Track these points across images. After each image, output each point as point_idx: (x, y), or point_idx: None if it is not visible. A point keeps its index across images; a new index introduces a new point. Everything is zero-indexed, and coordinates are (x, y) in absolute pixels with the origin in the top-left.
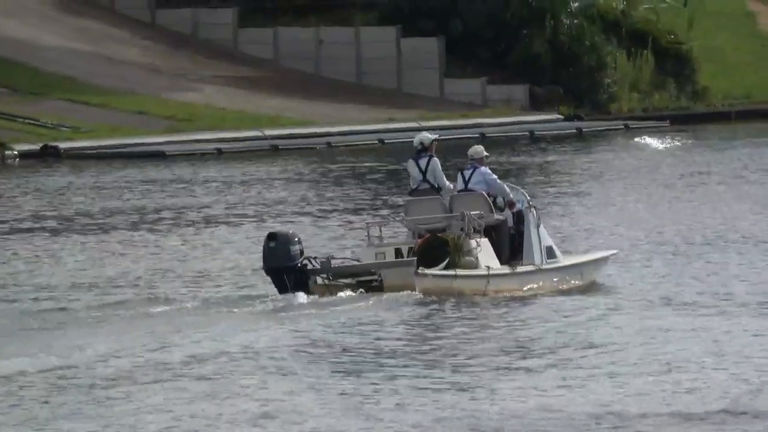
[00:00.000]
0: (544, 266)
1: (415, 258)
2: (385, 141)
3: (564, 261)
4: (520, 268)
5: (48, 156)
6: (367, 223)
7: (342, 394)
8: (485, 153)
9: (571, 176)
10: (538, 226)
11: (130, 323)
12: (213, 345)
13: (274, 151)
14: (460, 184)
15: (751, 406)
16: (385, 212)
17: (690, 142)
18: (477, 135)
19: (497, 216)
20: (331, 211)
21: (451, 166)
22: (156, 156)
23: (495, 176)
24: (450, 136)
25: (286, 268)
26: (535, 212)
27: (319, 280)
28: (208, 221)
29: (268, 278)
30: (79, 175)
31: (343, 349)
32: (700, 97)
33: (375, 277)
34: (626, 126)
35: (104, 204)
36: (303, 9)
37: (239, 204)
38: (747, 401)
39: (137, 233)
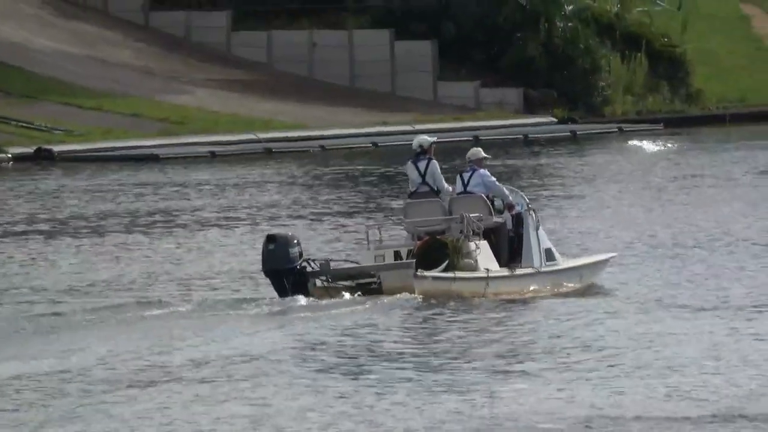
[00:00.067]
0: (543, 269)
1: (414, 260)
2: (379, 144)
3: (563, 264)
4: (519, 271)
5: (42, 159)
6: (367, 226)
7: (340, 397)
8: (484, 155)
9: (565, 179)
10: (537, 229)
11: (125, 327)
12: (210, 348)
13: (267, 154)
14: (459, 187)
15: (747, 410)
16: (379, 215)
17: (684, 145)
18: (470, 138)
19: (496, 218)
20: (325, 214)
21: (448, 170)
22: (149, 159)
23: (494, 179)
24: (443, 140)
25: (285, 270)
26: (534, 215)
27: (319, 283)
28: (202, 224)
29: (267, 280)
30: (73, 178)
31: (342, 352)
32: (694, 100)
33: (374, 279)
34: (620, 129)
35: (98, 207)
36: (296, 12)
37: (233, 207)
38: (743, 404)
39: (131, 236)
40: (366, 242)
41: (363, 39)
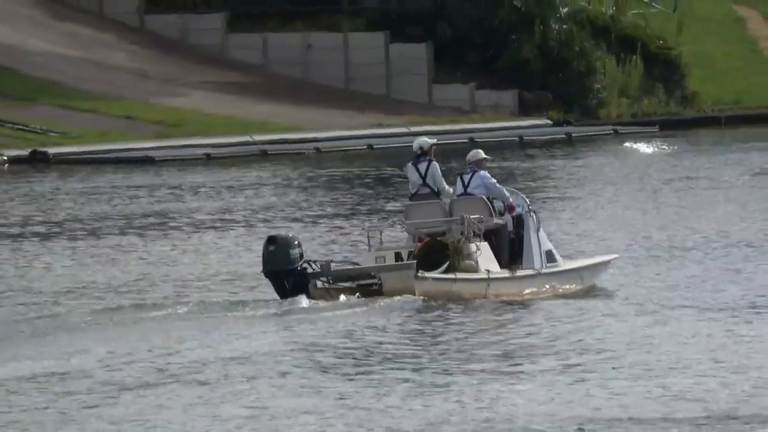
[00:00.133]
0: (544, 270)
1: (415, 261)
2: (374, 146)
3: (564, 265)
4: (519, 272)
5: (37, 161)
6: (367, 228)
7: (338, 398)
8: (484, 156)
9: (560, 181)
10: (537, 231)
11: (122, 329)
12: (208, 350)
13: (262, 156)
14: (459, 189)
15: (744, 411)
16: (374, 217)
17: (679, 147)
18: (466, 140)
19: (497, 220)
20: (320, 216)
21: (444, 172)
22: (144, 161)
23: (494, 180)
24: (439, 142)
25: (285, 271)
26: (535, 216)
27: (319, 284)
28: (197, 226)
29: (267, 282)
30: (68, 181)
31: (341, 353)
32: (689, 103)
33: (375, 280)
34: (615, 131)
35: (93, 209)
36: (291, 15)
37: (228, 209)
38: (740, 406)
39: (126, 238)
40: (367, 244)
41: (358, 41)
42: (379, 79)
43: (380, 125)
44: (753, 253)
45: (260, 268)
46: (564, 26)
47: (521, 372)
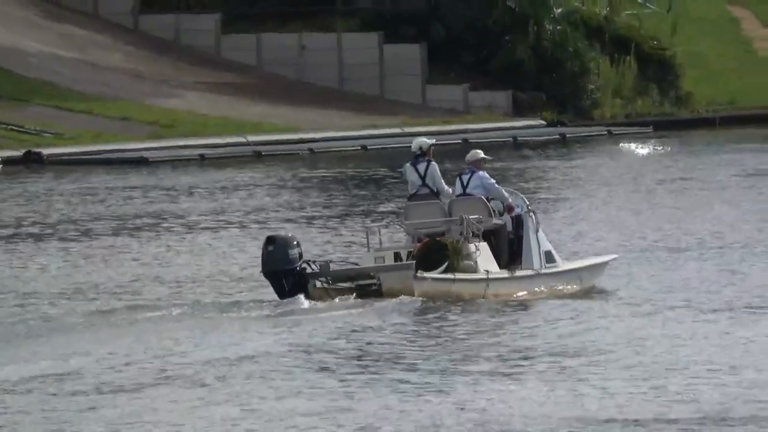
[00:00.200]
0: (543, 271)
1: (414, 261)
2: (368, 147)
3: (563, 266)
4: (519, 273)
5: (31, 162)
6: (367, 228)
7: (334, 399)
8: (483, 156)
9: (554, 182)
10: (537, 231)
11: (116, 330)
12: (205, 351)
13: (256, 157)
14: (458, 189)
15: (741, 413)
16: (368, 219)
17: (673, 148)
18: (460, 141)
19: (496, 220)
20: (315, 217)
21: (441, 173)
22: (139, 162)
23: (493, 181)
24: (436, 143)
25: (284, 271)
26: (534, 217)
27: (318, 284)
28: (191, 227)
29: (265, 282)
30: (62, 182)
31: (339, 354)
32: (683, 103)
33: (374, 280)
34: (609, 132)
35: (87, 210)
36: (286, 15)
37: (222, 210)
38: (737, 407)
39: (120, 239)
40: (366, 244)
41: (352, 42)
42: (373, 79)
43: (374, 126)
44: (747, 254)
45: (255, 268)
46: (558, 27)
47: (520, 373)
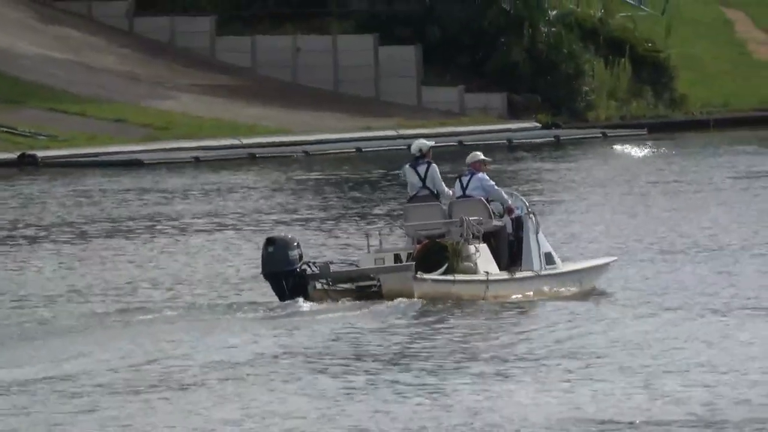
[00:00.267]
0: (543, 272)
1: (414, 263)
2: (363, 149)
3: (563, 267)
4: (518, 274)
5: (25, 164)
6: (366, 230)
7: (330, 400)
8: (482, 157)
9: (548, 184)
10: (537, 233)
11: (111, 332)
12: (200, 353)
13: (251, 159)
14: (458, 191)
15: (738, 415)
16: (362, 221)
17: (668, 150)
18: (455, 143)
19: (496, 222)
20: (309, 220)
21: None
22: (133, 164)
23: (492, 182)
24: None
25: (284, 272)
26: (534, 219)
27: (318, 285)
28: (186, 229)
29: (265, 283)
30: (57, 184)
31: (337, 355)
32: (677, 105)
33: (374, 282)
34: (604, 134)
35: (82, 212)
36: (280, 17)
37: (217, 212)
38: (734, 409)
39: (115, 241)
40: (366, 245)
41: (347, 44)
42: (368, 81)
43: (369, 128)
44: (742, 256)
45: (251, 270)
46: (552, 29)
47: (519, 375)
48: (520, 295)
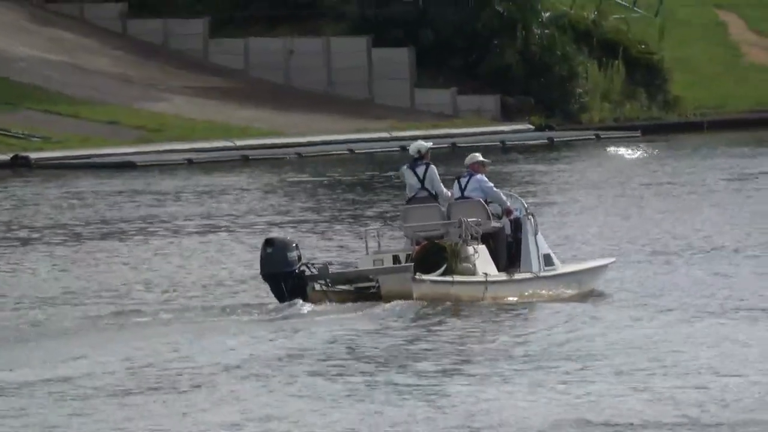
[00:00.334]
0: (542, 274)
1: (412, 264)
2: (356, 151)
3: (562, 269)
4: (517, 276)
5: (18, 166)
6: (365, 231)
7: (332, 401)
8: (481, 159)
9: (542, 187)
10: (535, 234)
11: (105, 335)
12: (197, 355)
13: (244, 161)
14: (456, 192)
15: (735, 416)
16: (356, 224)
17: (661, 152)
18: (448, 145)
19: (495, 223)
20: (303, 221)
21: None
22: (126, 166)
23: (491, 184)
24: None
25: (283, 273)
26: (533, 220)
27: (317, 287)
28: (179, 231)
29: (261, 284)
30: (50, 186)
31: (335, 356)
32: (671, 107)
33: (373, 283)
34: (597, 136)
35: (75, 214)
36: (273, 19)
37: (210, 214)
38: (731, 411)
39: (108, 243)
40: (365, 247)
41: (340, 46)
42: (361, 83)
43: (362, 130)
44: (736, 258)
45: (246, 272)
46: (546, 31)
47: (517, 376)
48: (518, 297)
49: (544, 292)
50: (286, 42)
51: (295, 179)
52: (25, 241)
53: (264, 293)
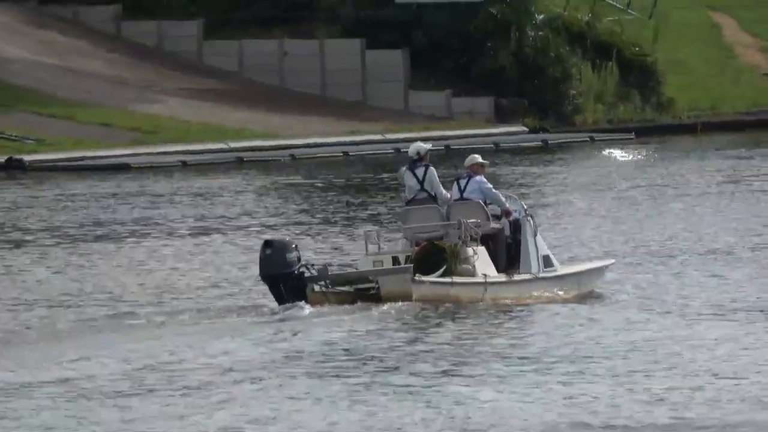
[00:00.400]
0: (541, 275)
1: (412, 265)
2: (350, 153)
3: (561, 270)
4: (516, 277)
5: (12, 168)
6: (365, 232)
7: (331, 401)
8: (480, 160)
9: (536, 189)
10: (535, 235)
11: (102, 337)
12: (195, 356)
13: (238, 163)
14: (455, 193)
15: (733, 418)
16: (351, 226)
17: (655, 154)
18: (441, 147)
19: (494, 224)
20: (298, 223)
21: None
22: (121, 168)
23: (490, 185)
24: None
25: (282, 275)
26: (532, 221)
27: (317, 288)
28: (174, 233)
29: (261, 286)
30: (44, 188)
31: (334, 357)
32: (665, 109)
33: (373, 284)
34: (591, 138)
35: (69, 217)
36: (267, 22)
37: (204, 216)
38: (729, 412)
39: (102, 246)
40: (365, 248)
41: (334, 48)
42: (355, 85)
43: (356, 132)
44: (730, 260)
45: (240, 273)
46: (540, 33)
47: (515, 377)
48: (517, 298)
49: (543, 293)
50: (280, 44)
51: (289, 181)
52: (19, 244)
53: (258, 295)
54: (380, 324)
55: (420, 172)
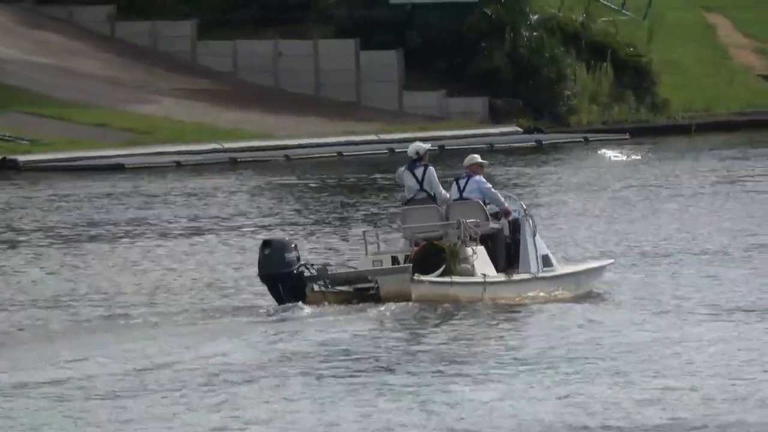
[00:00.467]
0: (540, 275)
1: (411, 264)
2: (344, 154)
3: (560, 270)
4: (516, 276)
5: (6, 169)
6: (364, 232)
7: (330, 402)
8: (479, 160)
9: (530, 189)
10: (534, 235)
11: (97, 337)
12: (193, 357)
13: (232, 163)
14: (455, 193)
15: (731, 419)
16: (345, 227)
17: (650, 154)
18: (436, 148)
19: (493, 224)
20: (293, 224)
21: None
22: (115, 169)
23: (489, 185)
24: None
25: (280, 275)
26: (531, 221)
27: (316, 287)
28: (168, 234)
29: (259, 285)
30: (39, 189)
31: (332, 357)
32: (660, 110)
33: (372, 284)
34: (586, 139)
35: (64, 217)
36: (262, 22)
37: (198, 216)
38: (727, 413)
39: (97, 246)
40: (364, 247)
41: (328, 48)
42: (349, 86)
43: (350, 133)
44: (725, 260)
45: (235, 273)
46: (534, 33)
47: (513, 378)
48: (517, 298)
49: (542, 293)
50: (274, 44)
51: (283, 182)
52: (13, 244)
53: (253, 295)
54: (378, 324)
55: (419, 171)
